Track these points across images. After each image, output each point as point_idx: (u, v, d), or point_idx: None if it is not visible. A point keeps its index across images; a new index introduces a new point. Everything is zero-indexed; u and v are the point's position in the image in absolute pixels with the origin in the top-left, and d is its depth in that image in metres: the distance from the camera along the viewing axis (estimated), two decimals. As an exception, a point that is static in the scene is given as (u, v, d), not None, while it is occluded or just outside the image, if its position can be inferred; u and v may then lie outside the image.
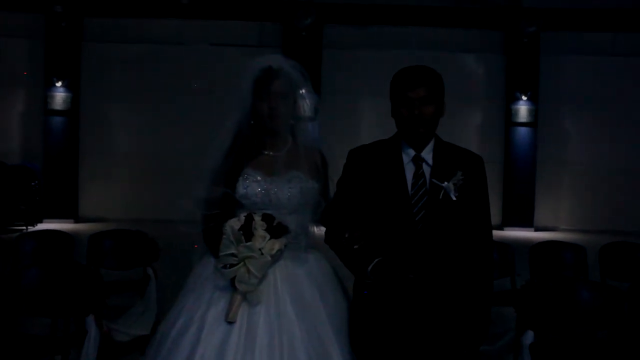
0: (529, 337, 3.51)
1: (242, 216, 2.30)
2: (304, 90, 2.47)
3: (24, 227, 9.70)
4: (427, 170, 2.34)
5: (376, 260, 2.26)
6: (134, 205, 10.67)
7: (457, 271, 2.31)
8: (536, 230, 10.36)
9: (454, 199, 2.30)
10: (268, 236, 2.28)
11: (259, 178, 2.42)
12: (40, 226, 9.81)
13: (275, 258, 2.32)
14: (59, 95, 10.59)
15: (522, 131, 10.45)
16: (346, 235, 2.34)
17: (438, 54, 9.39)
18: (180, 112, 10.65)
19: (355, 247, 2.31)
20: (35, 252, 4.74)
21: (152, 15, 10.57)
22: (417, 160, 2.35)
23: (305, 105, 2.48)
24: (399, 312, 2.27)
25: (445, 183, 2.30)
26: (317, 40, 10.36)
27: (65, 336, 3.73)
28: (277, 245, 2.29)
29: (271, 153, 2.48)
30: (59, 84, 10.54)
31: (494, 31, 10.50)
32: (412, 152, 2.36)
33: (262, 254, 2.26)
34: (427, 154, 2.36)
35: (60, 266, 4.19)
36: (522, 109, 10.39)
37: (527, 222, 10.33)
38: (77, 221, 10.47)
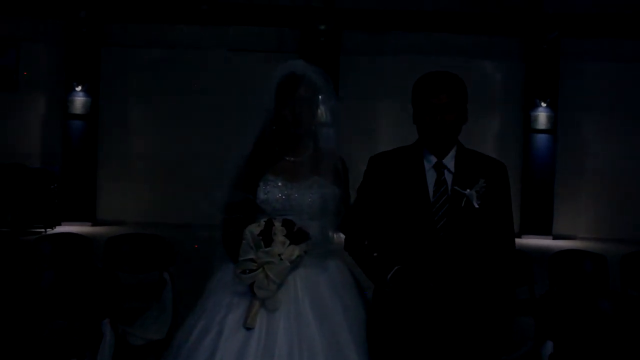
0: (549, 347, 3.46)
1: (262, 221, 2.29)
2: (326, 97, 2.46)
3: (43, 230, 9.78)
4: (449, 177, 2.32)
5: (396, 268, 2.24)
6: (151, 208, 10.73)
7: (479, 280, 2.28)
8: (554, 238, 10.24)
9: (477, 206, 2.27)
10: (288, 242, 2.27)
11: (280, 184, 2.41)
12: (59, 229, 9.88)
13: (295, 264, 2.31)
14: (79, 100, 10.69)
15: (541, 138, 10.35)
16: (366, 243, 2.33)
17: (456, 60, 9.33)
18: (198, 116, 10.70)
19: (375, 254, 2.30)
20: (53, 255, 4.77)
21: (170, 21, 10.63)
22: (439, 167, 2.33)
23: (328, 111, 2.47)
24: (419, 321, 2.24)
25: (468, 190, 2.28)
26: (336, 46, 10.35)
27: (81, 339, 3.74)
28: (296, 251, 2.28)
29: (292, 159, 2.47)
30: (78, 88, 10.64)
31: (513, 37, 10.42)
32: (433, 159, 2.33)
33: (281, 259, 2.25)
34: (449, 160, 2.33)
35: (77, 269, 4.21)
36: (542, 116, 10.30)
37: (545, 230, 10.22)
38: (94, 224, 10.54)
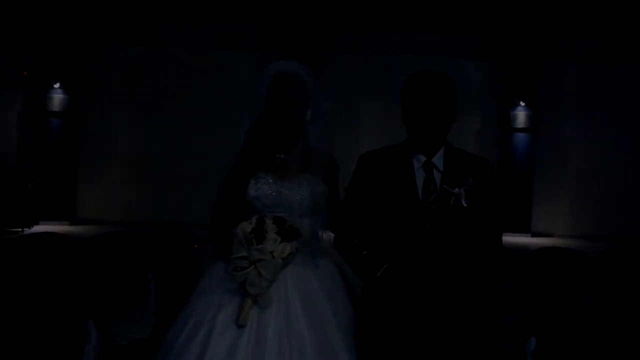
0: (532, 343, 3.52)
1: (254, 219, 2.30)
2: (317, 96, 2.48)
3: (20, 229, 9.65)
4: (437, 176, 2.34)
5: (385, 266, 2.26)
6: (131, 207, 10.65)
7: (467, 277, 2.31)
8: (533, 236, 10.37)
9: (465, 205, 2.30)
10: (279, 239, 2.28)
11: (270, 180, 2.42)
12: (36, 228, 9.76)
13: (287, 261, 2.32)
14: (57, 97, 10.56)
15: (520, 137, 10.48)
16: (355, 241, 2.34)
17: (437, 59, 9.40)
18: (179, 114, 10.64)
19: (365, 252, 2.31)
20: (34, 255, 4.72)
21: (151, 18, 10.55)
22: (428, 166, 2.35)
23: (318, 110, 2.49)
24: (407, 318, 2.26)
25: (456, 189, 2.30)
26: (317, 44, 10.36)
27: (66, 340, 3.71)
28: (288, 248, 2.29)
29: (283, 156, 2.48)
30: (57, 85, 10.51)
31: (493, 37, 10.53)
32: (422, 158, 2.36)
33: (273, 257, 2.26)
34: (438, 160, 2.36)
35: (60, 269, 4.17)
36: (521, 115, 10.42)
37: (524, 228, 10.35)
38: (73, 223, 10.43)
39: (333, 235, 2.47)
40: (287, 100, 2.41)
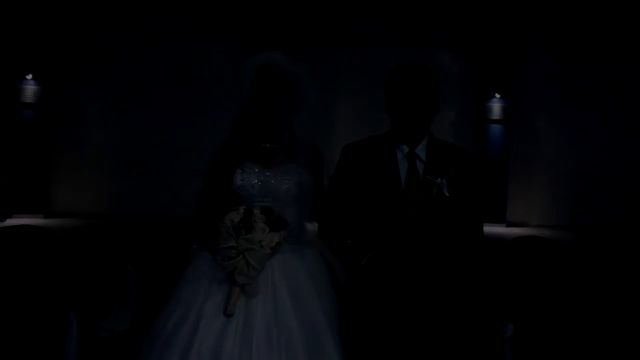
0: (509, 330, 3.60)
1: (242, 209, 2.33)
2: (302, 87, 2.50)
3: (-8, 222, 9.50)
4: (420, 166, 2.39)
5: (369, 254, 2.30)
6: (106, 200, 10.57)
7: (449, 265, 2.37)
8: (508, 225, 10.54)
9: (447, 194, 2.35)
10: (268, 229, 2.31)
11: (256, 170, 2.45)
12: (9, 221, 9.62)
13: (274, 250, 2.35)
14: (30, 88, 10.40)
15: (495, 128, 10.61)
16: (340, 230, 2.38)
17: (412, 51, 9.46)
18: (156, 106, 10.57)
19: (349, 242, 2.36)
20: (11, 248, 4.67)
21: (126, 10, 10.44)
22: (411, 157, 2.40)
23: (303, 101, 2.51)
24: (391, 305, 2.31)
25: (439, 179, 2.35)
26: (294, 36, 10.36)
27: (48, 333, 3.70)
28: (276, 237, 2.32)
29: (268, 146, 2.51)
30: (29, 77, 10.35)
31: (468, 29, 10.62)
32: (406, 149, 2.40)
33: (262, 246, 2.29)
34: (421, 150, 2.41)
35: (39, 262, 4.13)
36: (496, 107, 10.55)
37: (499, 217, 10.51)
38: (47, 216, 10.31)
39: (318, 224, 2.51)
40: (272, 91, 2.43)
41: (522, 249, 4.89)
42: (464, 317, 2.36)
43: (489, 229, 9.83)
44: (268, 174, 2.46)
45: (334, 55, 10.62)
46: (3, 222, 9.64)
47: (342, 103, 10.63)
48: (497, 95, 10.46)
